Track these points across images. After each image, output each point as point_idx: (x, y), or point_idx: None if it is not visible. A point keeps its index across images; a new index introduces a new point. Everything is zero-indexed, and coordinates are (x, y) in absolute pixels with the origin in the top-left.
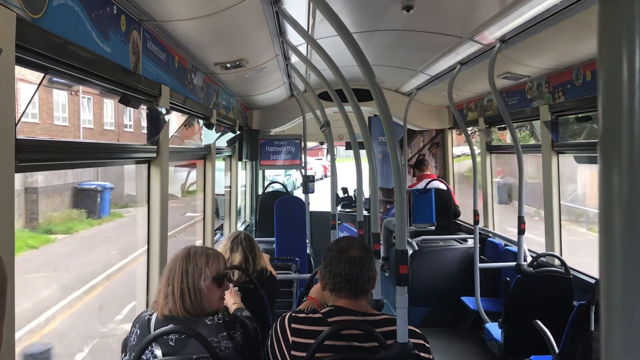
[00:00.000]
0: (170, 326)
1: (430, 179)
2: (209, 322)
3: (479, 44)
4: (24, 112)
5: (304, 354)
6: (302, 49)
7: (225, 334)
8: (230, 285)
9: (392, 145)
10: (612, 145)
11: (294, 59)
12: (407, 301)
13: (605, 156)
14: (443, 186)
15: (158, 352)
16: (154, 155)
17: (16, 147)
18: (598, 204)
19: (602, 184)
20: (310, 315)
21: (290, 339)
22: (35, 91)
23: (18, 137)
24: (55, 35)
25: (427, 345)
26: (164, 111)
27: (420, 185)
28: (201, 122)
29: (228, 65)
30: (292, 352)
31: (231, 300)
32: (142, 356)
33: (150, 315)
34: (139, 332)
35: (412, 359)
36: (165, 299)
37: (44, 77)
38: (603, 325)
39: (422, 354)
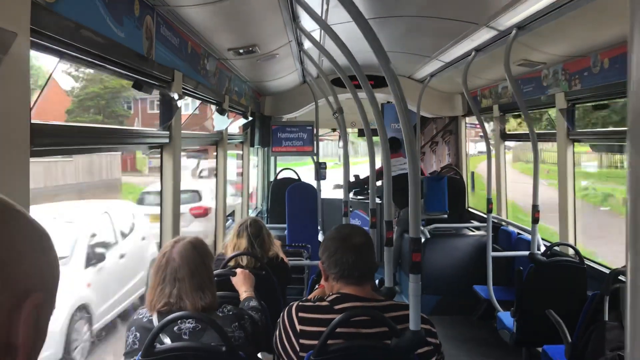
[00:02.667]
0: (188, 312)
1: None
2: (221, 315)
3: (494, 30)
4: (38, 97)
5: (313, 342)
6: (316, 35)
7: (237, 324)
8: (239, 271)
9: (407, 133)
10: None
11: (307, 44)
12: (420, 289)
13: (636, 144)
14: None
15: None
16: (167, 140)
17: (31, 132)
18: (627, 193)
19: (631, 172)
20: (317, 303)
21: (298, 327)
22: (50, 76)
23: (33, 121)
24: (69, 20)
25: (433, 330)
26: (176, 97)
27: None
28: (213, 107)
29: (241, 51)
30: (301, 341)
31: (243, 287)
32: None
33: (150, 316)
34: (139, 335)
35: (421, 344)
36: (174, 297)
37: (58, 61)
38: (629, 317)
39: (430, 339)
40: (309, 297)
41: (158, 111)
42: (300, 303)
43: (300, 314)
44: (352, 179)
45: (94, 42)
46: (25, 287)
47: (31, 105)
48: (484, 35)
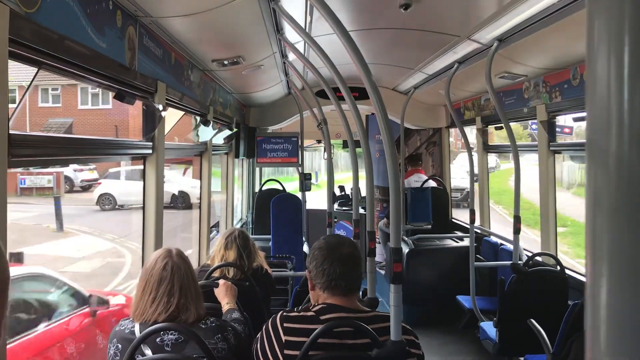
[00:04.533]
0: (169, 323)
1: (419, 174)
2: (203, 326)
3: (476, 42)
4: (17, 107)
5: (297, 352)
6: (300, 46)
7: (220, 335)
8: (222, 282)
9: (389, 144)
10: (599, 145)
11: (291, 56)
12: (401, 299)
13: (592, 156)
14: (424, 177)
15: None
16: (150, 151)
17: (9, 142)
18: (585, 203)
19: (588, 183)
20: (302, 313)
21: (283, 338)
22: (29, 86)
23: (11, 132)
24: (49, 30)
25: (416, 340)
26: (160, 107)
27: (411, 179)
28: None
29: (225, 62)
30: (285, 351)
31: (225, 299)
32: None
33: (132, 327)
34: (120, 346)
35: (403, 355)
36: (154, 305)
37: (37, 71)
38: (588, 325)
39: (413, 350)
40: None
41: (50, 104)
42: (284, 313)
43: (286, 324)
44: (337, 191)
45: (75, 52)
46: None
47: (9, 116)
48: (466, 48)
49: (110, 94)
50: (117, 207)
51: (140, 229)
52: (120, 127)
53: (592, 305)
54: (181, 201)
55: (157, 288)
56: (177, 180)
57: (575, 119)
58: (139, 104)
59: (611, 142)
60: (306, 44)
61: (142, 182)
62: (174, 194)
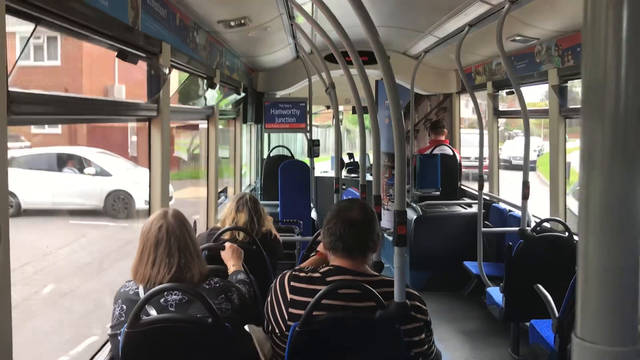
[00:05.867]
0: (174, 284)
1: (442, 145)
2: (207, 287)
3: (487, 4)
4: (15, 63)
5: (302, 312)
6: (307, 8)
7: (223, 296)
8: (228, 244)
9: (395, 110)
10: (594, 104)
11: (300, 19)
12: (404, 261)
13: (587, 114)
14: (449, 151)
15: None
16: (155, 114)
17: (9, 99)
18: (580, 160)
19: (583, 141)
20: (310, 274)
21: (289, 296)
22: (27, 42)
23: (11, 89)
24: None
25: (423, 307)
26: (165, 69)
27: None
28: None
29: (231, 23)
30: (290, 310)
31: (231, 262)
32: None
33: (136, 288)
34: (125, 307)
35: (408, 320)
36: (156, 267)
37: (34, 28)
38: (579, 278)
39: (419, 315)
40: (307, 262)
41: None
42: (293, 272)
43: (292, 283)
44: (345, 158)
45: (74, 10)
46: None
47: (8, 72)
48: (477, 10)
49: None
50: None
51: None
52: (72, 90)
53: (584, 259)
54: (119, 206)
55: (155, 251)
56: (115, 170)
57: None
58: (88, 63)
59: (606, 101)
60: (314, 5)
61: (56, 173)
62: (109, 193)
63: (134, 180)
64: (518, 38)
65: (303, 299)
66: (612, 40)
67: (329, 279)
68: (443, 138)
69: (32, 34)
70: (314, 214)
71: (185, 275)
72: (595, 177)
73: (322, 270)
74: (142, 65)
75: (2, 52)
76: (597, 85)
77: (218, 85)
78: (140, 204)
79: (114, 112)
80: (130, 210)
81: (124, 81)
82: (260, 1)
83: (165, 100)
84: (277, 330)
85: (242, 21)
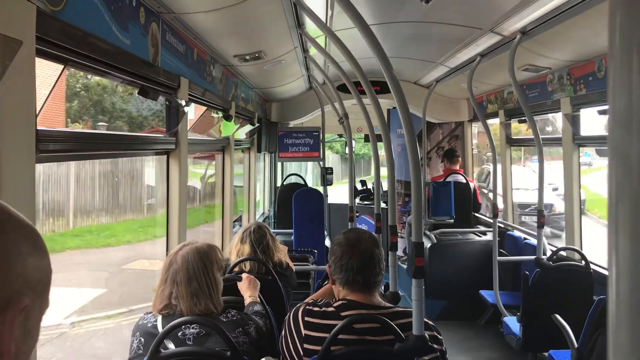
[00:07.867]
0: (193, 317)
1: (456, 175)
2: (224, 320)
3: (499, 35)
4: (44, 103)
5: (317, 348)
6: (321, 41)
7: (241, 329)
8: (245, 275)
9: (410, 138)
10: (621, 139)
11: (312, 51)
12: (423, 293)
13: (614, 150)
14: (463, 179)
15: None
16: (173, 147)
17: (37, 138)
18: (607, 197)
19: (610, 177)
20: (324, 309)
21: (304, 332)
22: (55, 83)
23: (39, 128)
24: (75, 27)
25: (439, 336)
26: (183, 103)
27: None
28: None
29: (247, 57)
30: (305, 346)
31: (247, 292)
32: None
33: (154, 321)
34: (143, 340)
35: (426, 351)
36: (174, 299)
37: (64, 68)
38: (610, 322)
39: (435, 346)
40: (313, 296)
41: None
42: (307, 307)
43: (307, 319)
44: (359, 185)
45: (99, 49)
46: (8, 293)
47: (37, 112)
48: (488, 41)
49: None
50: None
51: None
52: None
53: (615, 301)
54: None
55: (173, 283)
56: None
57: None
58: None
59: (634, 136)
60: (327, 38)
61: None
62: None
63: None
64: (529, 67)
65: (318, 334)
66: (637, 71)
67: (343, 313)
68: (457, 167)
69: (60, 74)
70: (327, 242)
71: (203, 308)
72: (624, 213)
73: (335, 304)
74: None
75: (31, 94)
76: (624, 118)
77: (234, 117)
78: None
79: (134, 147)
80: None
81: None
82: (275, 35)
83: (183, 134)
84: None
85: (257, 55)
